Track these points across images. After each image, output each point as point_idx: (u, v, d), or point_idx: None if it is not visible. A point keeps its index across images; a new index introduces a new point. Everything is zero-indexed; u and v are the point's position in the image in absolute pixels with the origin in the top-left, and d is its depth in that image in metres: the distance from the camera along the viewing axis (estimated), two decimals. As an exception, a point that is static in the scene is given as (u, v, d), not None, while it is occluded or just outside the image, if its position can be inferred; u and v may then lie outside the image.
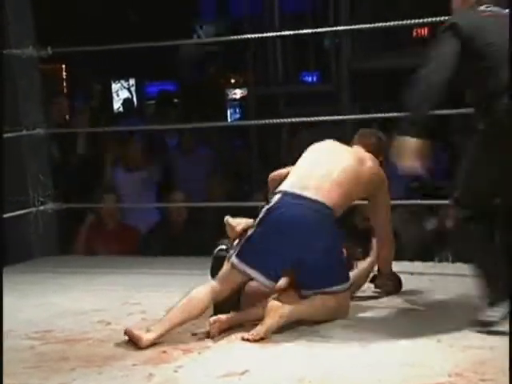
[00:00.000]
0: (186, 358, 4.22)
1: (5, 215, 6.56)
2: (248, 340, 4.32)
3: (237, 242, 4.74)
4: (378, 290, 5.28)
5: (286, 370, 3.97)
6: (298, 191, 4.68)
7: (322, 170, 4.82)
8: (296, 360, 4.13)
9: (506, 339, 4.24)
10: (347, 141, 5.28)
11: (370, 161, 5.02)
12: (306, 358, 4.15)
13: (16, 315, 5.14)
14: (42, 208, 6.75)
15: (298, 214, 4.63)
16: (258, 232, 4.65)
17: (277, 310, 4.42)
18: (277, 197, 4.71)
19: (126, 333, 4.42)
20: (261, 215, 4.69)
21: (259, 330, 4.35)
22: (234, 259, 4.60)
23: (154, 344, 4.40)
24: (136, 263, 6.51)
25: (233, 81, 13.38)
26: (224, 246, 4.92)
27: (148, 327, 4.42)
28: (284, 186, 4.77)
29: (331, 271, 4.67)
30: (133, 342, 4.35)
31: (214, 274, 4.77)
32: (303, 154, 5.05)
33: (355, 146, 5.19)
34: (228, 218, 4.89)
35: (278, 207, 4.65)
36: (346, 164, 4.89)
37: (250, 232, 4.68)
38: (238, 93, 14.74)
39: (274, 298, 4.52)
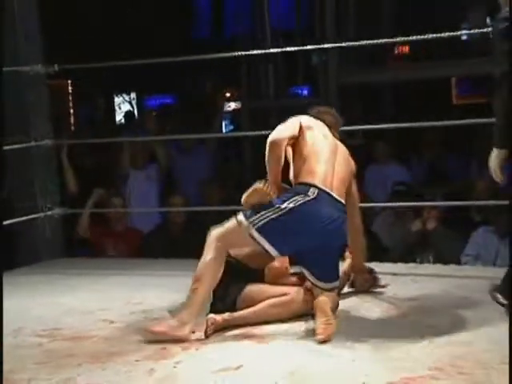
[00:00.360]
0: (185, 354, 4.22)
1: (14, 220, 6.61)
2: (324, 340, 4.25)
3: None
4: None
5: (278, 365, 3.98)
6: (328, 190, 4.61)
7: (335, 167, 4.77)
8: (287, 355, 4.13)
9: (482, 335, 4.30)
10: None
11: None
12: (296, 354, 4.15)
13: (26, 314, 5.18)
14: (49, 213, 6.77)
15: (332, 213, 4.58)
16: (286, 218, 4.49)
17: (327, 305, 4.44)
18: (312, 191, 4.56)
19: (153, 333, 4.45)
20: (294, 204, 4.50)
21: (331, 328, 4.33)
22: (254, 232, 4.48)
23: (154, 341, 4.42)
24: (138, 265, 6.52)
25: (228, 95, 13.36)
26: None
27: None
28: (316, 181, 4.62)
29: (336, 268, 4.72)
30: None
31: None
32: (316, 133, 4.85)
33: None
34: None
35: (313, 203, 4.53)
36: (347, 162, 4.97)
37: (275, 214, 4.49)
38: (232, 106, 14.78)
39: (318, 296, 4.56)
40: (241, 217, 4.54)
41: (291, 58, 12.28)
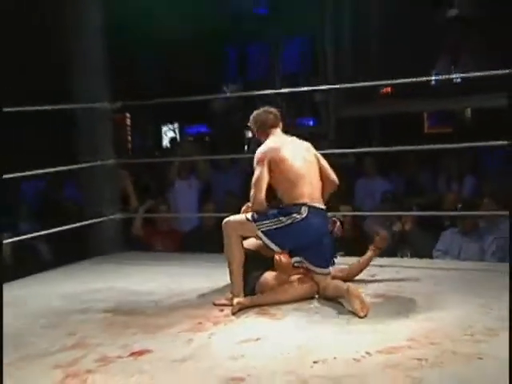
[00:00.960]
0: (216, 328, 4.23)
1: (86, 222, 6.65)
2: (364, 316, 4.25)
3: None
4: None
5: (289, 337, 3.99)
6: (315, 204, 4.63)
7: (314, 179, 4.74)
8: (297, 330, 4.14)
9: (449, 314, 4.28)
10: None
11: None
12: (304, 328, 4.16)
13: (93, 295, 5.18)
14: (112, 217, 6.79)
15: (320, 222, 4.67)
16: (285, 229, 4.58)
17: (357, 291, 4.44)
18: (304, 209, 4.58)
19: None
20: (291, 220, 4.57)
21: (367, 307, 4.32)
22: (261, 235, 4.61)
23: (192, 317, 4.43)
24: (179, 258, 6.50)
25: (249, 124, 13.42)
26: None
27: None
28: (305, 200, 4.62)
29: (329, 258, 4.76)
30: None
31: None
32: (286, 155, 4.71)
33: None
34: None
35: (306, 219, 4.57)
36: (313, 159, 4.85)
37: (277, 225, 4.58)
38: (251, 133, 14.77)
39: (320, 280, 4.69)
40: (249, 217, 4.63)
41: (299, 95, 12.28)
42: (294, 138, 4.95)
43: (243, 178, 9.11)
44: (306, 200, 4.61)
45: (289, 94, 10.29)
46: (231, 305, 4.53)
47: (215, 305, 4.61)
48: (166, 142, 15.79)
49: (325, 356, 3.62)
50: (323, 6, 12.39)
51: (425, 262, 5.91)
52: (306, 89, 8.80)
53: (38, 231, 6.66)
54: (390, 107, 12.05)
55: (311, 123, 14.35)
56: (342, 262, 5.24)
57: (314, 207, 4.62)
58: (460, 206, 6.78)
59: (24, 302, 5.12)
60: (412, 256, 6.37)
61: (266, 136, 4.89)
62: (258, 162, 4.69)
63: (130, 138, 14.57)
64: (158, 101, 7.20)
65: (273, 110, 5.02)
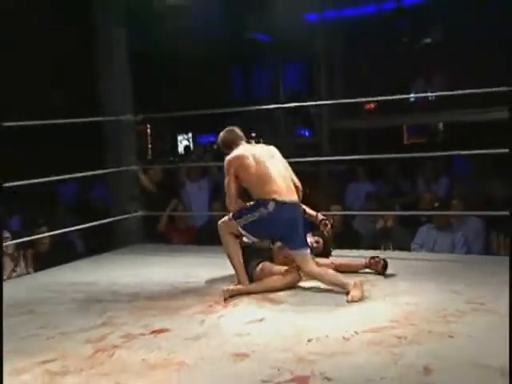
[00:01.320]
0: (225, 310, 4.23)
1: (113, 218, 6.67)
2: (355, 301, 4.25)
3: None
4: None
5: (287, 320, 3.99)
6: (283, 199, 4.57)
7: (284, 177, 4.69)
8: (293, 313, 4.13)
9: (425, 299, 4.28)
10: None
11: None
12: (300, 312, 4.15)
13: (118, 281, 5.18)
14: (135, 214, 6.79)
15: (289, 214, 4.60)
16: (259, 221, 4.58)
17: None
18: (271, 204, 4.56)
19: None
20: (260, 214, 4.57)
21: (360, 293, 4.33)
22: (240, 229, 4.64)
23: (204, 301, 4.43)
24: (193, 250, 6.49)
25: (253, 134, 13.37)
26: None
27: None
28: (274, 196, 4.58)
29: (304, 242, 4.68)
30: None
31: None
32: (250, 161, 4.69)
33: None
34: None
35: (273, 213, 4.54)
36: (286, 167, 4.84)
37: (252, 218, 4.60)
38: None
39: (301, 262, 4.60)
40: (230, 216, 4.70)
41: (297, 110, 12.29)
42: (262, 145, 4.97)
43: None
44: (273, 196, 4.58)
45: (288, 109, 10.31)
46: (239, 291, 4.55)
47: (225, 291, 4.54)
48: (181, 149, 15.83)
49: (318, 335, 3.62)
50: (317, 35, 12.44)
51: (404, 253, 5.90)
52: (303, 104, 8.83)
53: (72, 226, 6.68)
54: (373, 121, 12.09)
55: (307, 134, 14.40)
56: (335, 254, 5.27)
57: (283, 201, 4.58)
58: (437, 204, 6.78)
59: (61, 287, 5.13)
60: (394, 249, 6.37)
61: (232, 150, 4.88)
62: (226, 172, 4.74)
63: (149, 145, 14.59)
64: (174, 114, 7.20)
65: (234, 128, 5.01)
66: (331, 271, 4.64)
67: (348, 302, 4.24)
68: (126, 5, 6.84)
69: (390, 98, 7.07)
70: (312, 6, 8.27)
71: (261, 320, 3.99)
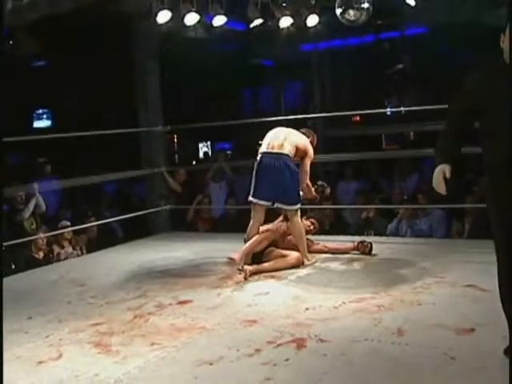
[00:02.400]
0: (237, 285, 4.25)
1: (148, 211, 6.66)
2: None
3: None
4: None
5: (288, 293, 4.01)
6: (269, 150, 4.60)
7: (281, 137, 4.68)
8: (294, 288, 4.15)
9: (399, 276, 4.28)
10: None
11: (304, 139, 4.85)
12: (299, 287, 4.17)
13: (151, 262, 5.18)
14: (164, 208, 6.80)
15: (274, 163, 4.55)
16: (256, 178, 4.59)
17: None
18: (259, 157, 4.62)
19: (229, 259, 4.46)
20: (255, 168, 4.61)
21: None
22: (251, 199, 4.60)
23: (221, 278, 4.42)
24: (212, 236, 6.44)
25: (260, 142, 13.38)
26: None
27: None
28: (261, 149, 4.66)
29: (294, 194, 4.61)
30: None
31: None
32: (270, 132, 4.81)
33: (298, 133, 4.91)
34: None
35: (262, 161, 4.57)
36: (292, 135, 4.76)
37: (253, 179, 4.61)
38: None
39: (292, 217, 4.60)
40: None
41: (295, 122, 12.27)
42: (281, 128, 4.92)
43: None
44: (263, 149, 4.63)
45: (289, 120, 10.30)
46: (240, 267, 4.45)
47: (229, 258, 4.46)
48: (201, 155, 15.82)
49: (313, 305, 3.65)
50: (312, 61, 12.42)
51: (382, 238, 5.90)
52: (300, 116, 8.82)
53: (114, 216, 6.71)
54: (358, 131, 12.07)
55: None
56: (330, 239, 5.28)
57: (269, 153, 4.59)
58: (406, 197, 6.76)
59: (106, 266, 5.17)
60: (374, 234, 6.36)
61: None
62: None
63: (176, 151, 14.58)
64: (196, 125, 7.23)
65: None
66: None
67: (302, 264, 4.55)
68: (158, 41, 6.86)
69: (371, 111, 7.10)
70: (307, 38, 8.27)
71: (266, 293, 4.01)
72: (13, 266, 5.51)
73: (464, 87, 2.68)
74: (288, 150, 4.62)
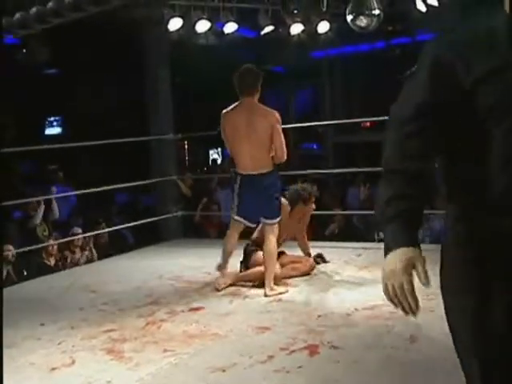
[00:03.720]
0: (249, 292, 4.25)
1: (160, 217, 6.63)
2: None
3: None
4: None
5: (301, 299, 4.03)
6: (248, 172, 4.10)
7: (250, 148, 4.06)
8: (306, 294, 4.16)
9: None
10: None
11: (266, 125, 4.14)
12: (311, 294, 4.18)
13: (163, 269, 5.18)
14: (176, 214, 6.82)
15: (253, 186, 4.10)
16: (239, 199, 4.19)
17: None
18: (239, 178, 4.14)
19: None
20: (235, 189, 4.18)
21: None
22: (234, 216, 4.26)
23: (232, 285, 4.40)
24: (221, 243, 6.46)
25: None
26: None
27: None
28: (240, 170, 4.14)
29: (276, 209, 4.19)
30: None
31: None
32: (230, 133, 4.17)
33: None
34: None
35: (241, 187, 4.14)
36: (259, 134, 4.08)
37: (234, 199, 4.21)
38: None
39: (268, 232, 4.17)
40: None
41: (307, 128, 12.28)
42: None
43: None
44: (240, 171, 4.16)
45: (300, 127, 10.32)
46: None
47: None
48: (210, 162, 15.88)
49: (326, 312, 3.66)
50: (322, 67, 12.46)
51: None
52: (312, 124, 8.85)
53: (125, 223, 6.74)
54: (368, 136, 12.09)
55: (315, 147, 14.36)
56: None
57: (248, 175, 4.11)
58: None
59: (117, 272, 5.19)
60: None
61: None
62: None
63: (186, 158, 14.64)
64: (205, 133, 7.25)
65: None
66: (278, 266, 4.28)
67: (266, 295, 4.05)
68: (169, 48, 6.90)
69: (381, 118, 7.07)
70: (318, 45, 8.30)
71: (279, 300, 4.01)
72: (25, 273, 5.55)
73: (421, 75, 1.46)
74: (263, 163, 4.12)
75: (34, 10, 4.93)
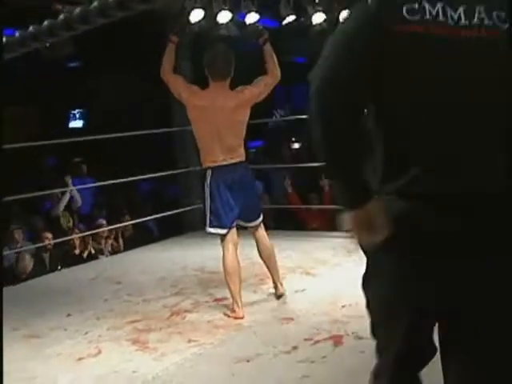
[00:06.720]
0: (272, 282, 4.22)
1: (182, 209, 6.60)
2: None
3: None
4: None
5: (324, 290, 4.00)
6: (219, 164, 3.57)
7: (222, 138, 3.63)
8: (329, 285, 4.14)
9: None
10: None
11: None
12: (334, 284, 4.15)
13: (187, 259, 5.19)
14: (197, 206, 6.79)
15: (229, 177, 3.59)
16: (212, 204, 3.58)
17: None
18: (209, 172, 3.58)
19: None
20: (208, 191, 3.57)
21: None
22: (209, 230, 3.71)
23: (256, 275, 4.37)
24: (245, 233, 6.40)
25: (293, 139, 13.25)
26: None
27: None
28: (209, 163, 3.60)
29: (257, 212, 3.82)
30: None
31: None
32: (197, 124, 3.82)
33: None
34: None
35: (213, 181, 3.56)
36: (232, 116, 3.77)
37: (208, 206, 3.59)
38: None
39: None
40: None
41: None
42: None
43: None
44: (209, 164, 3.62)
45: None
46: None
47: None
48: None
49: (350, 302, 3.62)
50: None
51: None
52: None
53: (149, 215, 6.77)
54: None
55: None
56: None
57: (219, 166, 3.59)
58: None
59: (142, 263, 5.22)
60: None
61: None
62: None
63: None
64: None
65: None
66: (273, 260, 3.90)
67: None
68: (191, 40, 6.87)
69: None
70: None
71: (303, 290, 4.01)
72: (59, 267, 5.61)
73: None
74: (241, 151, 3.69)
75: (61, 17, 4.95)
